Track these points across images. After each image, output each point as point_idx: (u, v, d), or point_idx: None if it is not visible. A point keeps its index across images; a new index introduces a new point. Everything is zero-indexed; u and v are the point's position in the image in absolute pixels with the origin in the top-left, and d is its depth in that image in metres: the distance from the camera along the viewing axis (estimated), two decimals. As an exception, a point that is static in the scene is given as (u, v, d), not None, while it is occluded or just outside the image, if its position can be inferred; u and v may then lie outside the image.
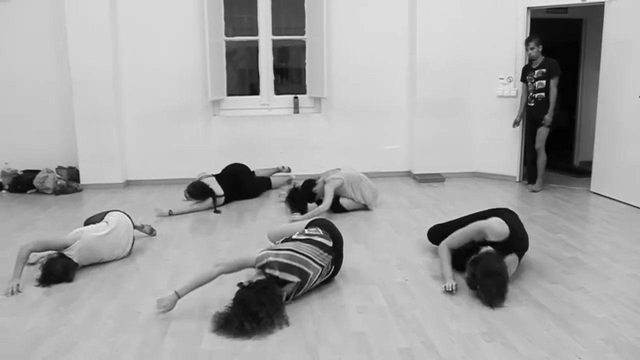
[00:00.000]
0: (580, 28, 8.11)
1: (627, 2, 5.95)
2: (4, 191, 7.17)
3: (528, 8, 6.88)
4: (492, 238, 3.69)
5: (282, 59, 8.31)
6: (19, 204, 6.51)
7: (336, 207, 5.74)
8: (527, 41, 6.55)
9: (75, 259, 4.00)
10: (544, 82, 6.51)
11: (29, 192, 7.06)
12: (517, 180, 7.21)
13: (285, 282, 3.37)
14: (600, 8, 6.36)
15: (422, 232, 4.89)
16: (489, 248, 3.64)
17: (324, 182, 5.73)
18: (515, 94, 7.02)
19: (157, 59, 7.26)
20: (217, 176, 6.33)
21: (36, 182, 7.01)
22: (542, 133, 6.60)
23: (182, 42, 7.26)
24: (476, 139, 7.50)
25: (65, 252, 3.98)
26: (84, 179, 7.22)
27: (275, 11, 7.46)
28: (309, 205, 5.77)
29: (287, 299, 3.37)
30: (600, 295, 3.50)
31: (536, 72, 6.56)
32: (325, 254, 3.63)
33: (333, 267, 3.70)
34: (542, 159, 6.65)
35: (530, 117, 6.79)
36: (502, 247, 3.65)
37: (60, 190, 6.93)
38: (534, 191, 6.59)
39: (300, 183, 5.94)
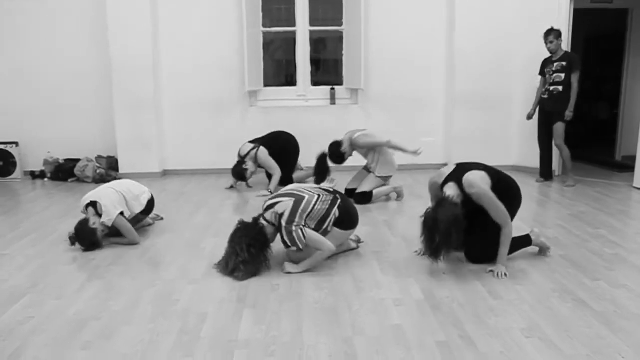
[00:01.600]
0: (625, 18, 7.89)
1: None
2: (46, 179, 7.35)
3: (571, -2, 6.72)
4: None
5: (318, 50, 8.30)
6: (60, 192, 6.66)
7: (361, 198, 5.74)
8: (546, 35, 6.41)
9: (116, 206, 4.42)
10: (562, 75, 6.38)
11: (70, 180, 7.21)
12: (557, 174, 7.07)
13: (277, 203, 3.80)
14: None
15: (460, 225, 4.87)
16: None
17: (351, 140, 5.81)
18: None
19: (196, 50, 7.35)
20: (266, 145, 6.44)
21: (77, 170, 7.16)
22: (560, 128, 6.46)
23: (220, 33, 7.32)
24: (515, 132, 7.38)
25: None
26: (123, 168, 7.35)
27: (312, 2, 7.45)
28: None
29: (290, 221, 3.69)
30: (645, 293, 3.41)
31: (555, 64, 6.44)
32: (323, 191, 3.98)
33: (340, 202, 3.94)
34: (565, 153, 6.51)
35: (543, 111, 6.64)
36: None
37: (99, 179, 7.06)
38: (569, 186, 6.45)
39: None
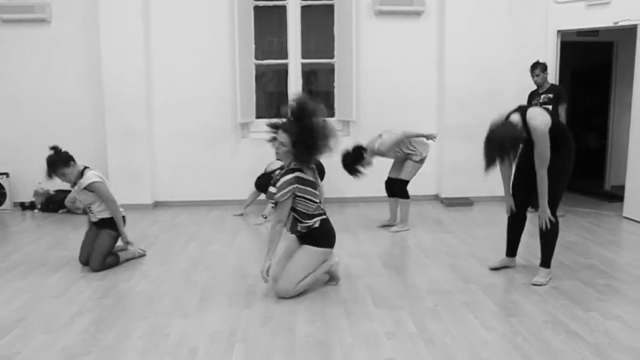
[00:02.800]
0: (610, 51, 8.04)
1: (660, 25, 5.89)
2: (36, 210, 7.30)
3: (558, 31, 6.85)
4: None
5: (310, 82, 8.36)
6: (50, 223, 6.62)
7: (400, 186, 5.95)
8: (533, 68, 6.50)
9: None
10: (549, 107, 6.45)
11: (60, 211, 7.18)
12: (548, 204, 7.09)
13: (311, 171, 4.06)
14: (632, 31, 6.30)
15: (452, 256, 4.89)
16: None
17: (373, 152, 5.82)
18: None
19: (188, 82, 7.38)
20: None
21: (67, 202, 7.13)
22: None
23: (213, 65, 7.37)
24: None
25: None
26: (114, 200, 7.30)
27: (304, 35, 7.54)
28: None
29: (299, 182, 3.89)
30: (638, 324, 3.40)
31: (542, 96, 6.50)
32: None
33: (325, 217, 4.12)
34: None
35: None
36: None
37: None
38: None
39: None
